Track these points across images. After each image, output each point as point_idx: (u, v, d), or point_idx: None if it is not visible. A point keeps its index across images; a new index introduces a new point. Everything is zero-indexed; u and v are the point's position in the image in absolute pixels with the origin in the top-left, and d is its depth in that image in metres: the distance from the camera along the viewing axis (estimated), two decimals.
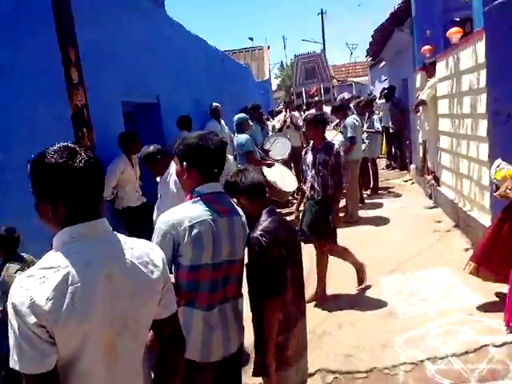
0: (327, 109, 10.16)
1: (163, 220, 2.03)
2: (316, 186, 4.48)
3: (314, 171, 4.50)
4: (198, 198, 2.08)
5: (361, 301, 4.44)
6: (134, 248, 1.45)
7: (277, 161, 7.41)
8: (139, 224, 4.56)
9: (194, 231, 1.98)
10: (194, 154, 2.08)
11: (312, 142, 4.72)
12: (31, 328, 1.24)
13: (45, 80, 4.13)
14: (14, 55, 4.07)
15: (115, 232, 1.48)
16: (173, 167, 4.09)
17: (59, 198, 1.36)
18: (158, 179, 4.22)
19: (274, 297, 2.18)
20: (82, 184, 1.35)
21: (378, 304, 4.32)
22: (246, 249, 2.24)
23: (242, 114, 7.44)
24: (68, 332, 1.28)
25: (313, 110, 9.98)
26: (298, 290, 2.40)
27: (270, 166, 6.82)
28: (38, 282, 1.27)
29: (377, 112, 10.12)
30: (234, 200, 2.32)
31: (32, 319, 1.24)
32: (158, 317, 1.51)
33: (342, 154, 4.53)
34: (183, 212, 2.04)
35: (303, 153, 4.85)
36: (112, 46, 5.25)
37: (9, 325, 1.27)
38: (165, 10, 7.37)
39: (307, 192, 4.59)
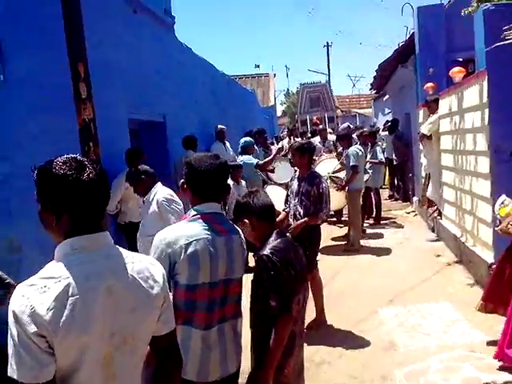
0: (331, 137, 10.22)
1: (159, 238, 2.03)
2: (298, 215, 4.42)
3: (296, 200, 4.45)
4: (197, 217, 2.08)
5: (361, 331, 4.36)
6: (134, 262, 1.44)
7: (280, 185, 7.40)
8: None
9: (191, 249, 1.98)
10: (187, 174, 2.13)
11: (298, 170, 4.68)
12: (31, 337, 1.23)
13: (54, 93, 4.17)
14: (22, 68, 4.13)
15: (117, 246, 1.47)
16: (157, 187, 4.11)
17: (64, 209, 1.35)
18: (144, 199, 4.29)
19: (286, 313, 2.18)
20: (88, 197, 1.35)
21: (379, 335, 4.25)
22: (254, 266, 2.24)
23: (249, 138, 7.50)
24: (67, 343, 1.26)
25: (317, 138, 10.06)
26: (301, 311, 2.39)
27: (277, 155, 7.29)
28: (39, 292, 1.26)
29: (379, 143, 10.17)
30: (246, 220, 2.33)
31: (32, 328, 1.23)
32: (156, 333, 1.49)
33: (324, 185, 4.45)
34: (180, 230, 2.04)
35: (289, 180, 4.85)
36: (122, 64, 5.34)
37: (8, 333, 1.25)
38: (175, 34, 7.51)
39: (290, 219, 4.52)
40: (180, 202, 4.10)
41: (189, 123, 7.47)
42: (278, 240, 2.31)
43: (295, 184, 4.57)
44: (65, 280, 1.28)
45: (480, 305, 3.96)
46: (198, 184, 2.11)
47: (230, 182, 6.07)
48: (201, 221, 2.06)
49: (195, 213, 2.09)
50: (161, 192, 4.10)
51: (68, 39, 3.50)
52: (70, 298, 1.27)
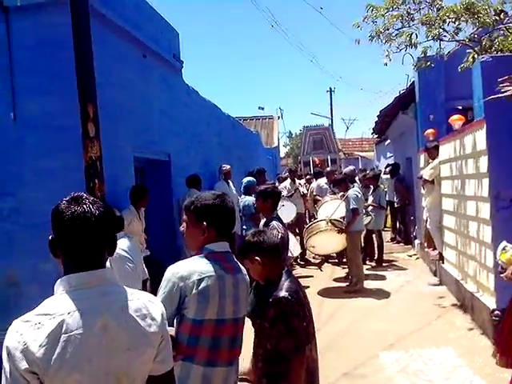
0: None
1: (173, 271, 2.04)
2: None
3: None
4: (209, 255, 2.10)
5: (361, 375, 4.23)
6: (133, 300, 1.43)
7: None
8: None
9: (202, 285, 1.99)
10: (215, 214, 2.12)
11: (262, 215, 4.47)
12: (22, 373, 1.22)
13: (63, 134, 4.26)
14: (33, 109, 4.25)
15: (115, 283, 1.47)
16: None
17: (56, 245, 1.38)
18: None
19: (301, 354, 2.25)
20: (73, 234, 1.35)
21: (380, 381, 4.13)
22: (272, 308, 2.29)
23: (252, 178, 7.56)
24: (58, 381, 1.25)
25: (323, 179, 10.03)
26: (315, 347, 2.48)
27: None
28: (32, 328, 1.26)
29: (382, 186, 10.18)
30: (257, 258, 2.38)
31: (24, 365, 1.22)
32: (153, 373, 1.46)
33: (276, 232, 3.86)
34: (193, 266, 2.06)
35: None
36: (130, 105, 5.46)
37: (3, 368, 1.25)
38: (182, 77, 7.72)
39: None
40: (133, 259, 3.62)
41: (193, 162, 7.56)
42: (289, 280, 2.38)
43: None
44: (59, 317, 1.28)
45: (498, 358, 3.87)
46: (226, 222, 2.15)
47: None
48: (211, 259, 2.08)
49: (207, 251, 2.10)
50: (118, 246, 3.52)
51: (79, 81, 3.63)
52: (63, 336, 1.26)
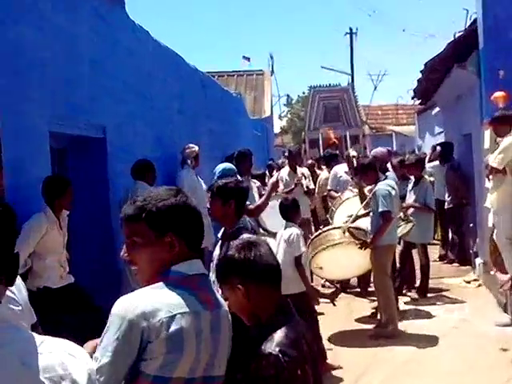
0: None
1: (127, 306, 1.99)
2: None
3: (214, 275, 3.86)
4: (178, 281, 2.08)
5: None
6: (42, 354, 1.40)
7: (274, 235, 7.36)
8: (60, 315, 4.49)
9: (174, 327, 1.98)
10: (181, 218, 2.13)
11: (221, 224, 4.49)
12: None
13: None
14: None
15: (16, 325, 1.46)
16: None
17: None
18: None
19: None
20: None
21: None
22: (256, 366, 2.24)
23: (229, 165, 7.53)
24: None
25: (341, 166, 10.00)
26: None
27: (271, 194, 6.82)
28: None
29: (427, 178, 10.19)
30: (239, 286, 2.33)
31: None
32: None
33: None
34: (157, 297, 2.03)
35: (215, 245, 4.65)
36: (43, 53, 5.39)
37: None
38: (126, 12, 7.65)
39: None
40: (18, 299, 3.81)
41: (141, 140, 7.56)
42: (286, 326, 2.30)
43: (217, 249, 4.35)
44: None
45: None
46: (197, 232, 2.19)
47: None
48: (183, 287, 2.07)
49: (175, 275, 2.09)
50: None
51: None
52: None
